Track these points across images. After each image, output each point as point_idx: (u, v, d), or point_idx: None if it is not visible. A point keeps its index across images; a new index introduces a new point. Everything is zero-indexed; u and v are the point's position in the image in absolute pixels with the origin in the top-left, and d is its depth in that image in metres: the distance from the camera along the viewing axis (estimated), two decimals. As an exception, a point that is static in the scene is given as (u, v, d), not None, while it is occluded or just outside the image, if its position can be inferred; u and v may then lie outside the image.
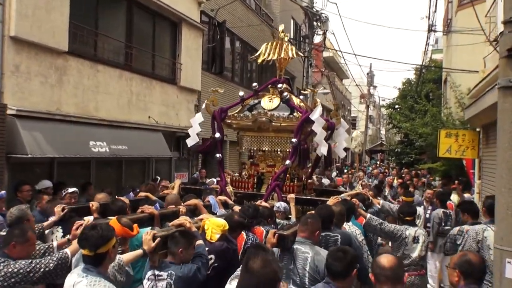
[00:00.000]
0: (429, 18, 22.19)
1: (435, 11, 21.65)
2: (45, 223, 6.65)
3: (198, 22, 17.28)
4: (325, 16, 26.79)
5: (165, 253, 5.12)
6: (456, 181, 14.36)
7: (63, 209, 6.67)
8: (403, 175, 22.34)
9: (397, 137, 38.35)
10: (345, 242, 6.13)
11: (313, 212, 6.60)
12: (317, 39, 28.86)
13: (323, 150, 9.23)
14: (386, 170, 30.02)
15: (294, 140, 8.78)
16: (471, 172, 14.93)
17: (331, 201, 7.81)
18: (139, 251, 5.07)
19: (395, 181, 17.80)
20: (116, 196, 8.94)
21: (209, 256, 5.38)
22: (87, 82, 11.95)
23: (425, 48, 25.99)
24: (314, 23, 27.21)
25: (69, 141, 10.93)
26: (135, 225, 5.41)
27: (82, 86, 11.77)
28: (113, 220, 5.25)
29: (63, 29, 10.98)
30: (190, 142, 10.06)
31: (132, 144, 13.03)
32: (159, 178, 13.33)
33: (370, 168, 34.03)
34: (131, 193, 10.39)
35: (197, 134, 10.07)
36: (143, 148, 13.69)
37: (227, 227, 5.67)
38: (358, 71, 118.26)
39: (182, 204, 7.59)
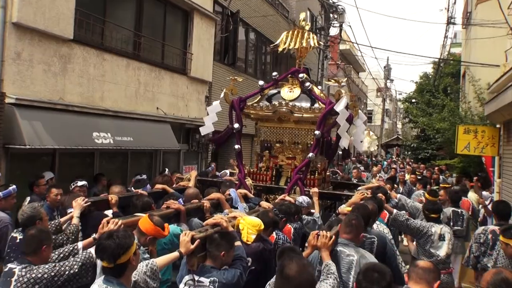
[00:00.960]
0: (448, 10, 21.64)
1: (455, 3, 21.11)
2: (62, 219, 6.22)
3: (211, 12, 16.82)
4: (342, 8, 26.37)
5: (203, 255, 4.79)
6: (475, 178, 13.82)
7: (85, 202, 6.19)
8: (420, 170, 21.76)
9: (414, 132, 37.72)
10: (381, 245, 5.99)
11: (352, 211, 6.18)
12: (333, 31, 28.40)
13: (344, 143, 9.10)
14: (402, 165, 29.42)
15: (317, 132, 8.66)
16: (490, 170, 14.36)
17: (357, 196, 7.65)
18: (175, 254, 4.70)
19: (408, 176, 17.19)
20: (132, 188, 8.65)
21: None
22: (93, 71, 11.56)
23: (444, 41, 25.44)
24: (331, 15, 26.74)
25: (71, 131, 10.53)
26: (166, 224, 5.13)
27: (87, 75, 11.38)
28: (144, 219, 5.00)
29: (68, 16, 10.58)
30: (204, 130, 9.84)
31: (138, 135, 12.64)
32: (167, 169, 12.95)
33: (385, 163, 33.52)
34: (148, 186, 9.93)
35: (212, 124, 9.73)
36: (150, 140, 13.28)
37: (262, 226, 5.39)
38: (375, 64, 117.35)
39: (202, 198, 7.36)
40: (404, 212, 8.54)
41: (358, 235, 5.24)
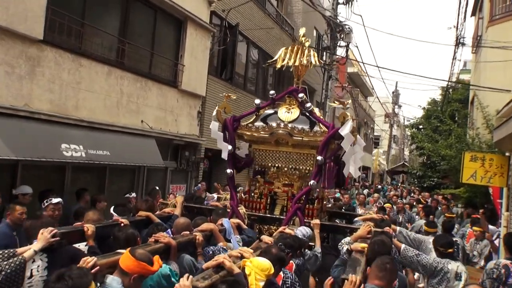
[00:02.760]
0: (457, 29, 20.76)
1: (464, 20, 20.30)
2: (26, 253, 4.89)
3: (207, 22, 15.91)
4: (349, 28, 25.53)
5: None
6: (481, 210, 13.19)
7: (53, 235, 5.11)
8: (426, 199, 20.90)
9: (420, 160, 36.87)
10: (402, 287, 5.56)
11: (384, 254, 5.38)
12: (340, 52, 27.57)
13: (351, 169, 8.47)
14: (405, 193, 28.54)
15: (319, 157, 7.90)
16: (497, 202, 13.26)
17: (364, 229, 6.99)
18: None
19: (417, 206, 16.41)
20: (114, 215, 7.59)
21: None
22: (67, 77, 10.61)
23: (452, 63, 24.57)
24: (337, 34, 25.91)
25: (36, 142, 9.53)
26: (156, 257, 4.37)
27: (60, 80, 10.42)
28: (125, 255, 4.24)
29: (38, 14, 9.64)
30: (224, 154, 8.70)
31: (117, 150, 11.66)
32: (157, 187, 12.02)
33: (387, 188, 32.69)
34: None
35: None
36: (130, 155, 12.27)
37: (272, 271, 4.66)
38: (383, 90, 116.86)
39: (193, 229, 6.49)
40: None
41: (391, 282, 4.75)
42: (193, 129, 15.64)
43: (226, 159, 8.76)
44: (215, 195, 11.79)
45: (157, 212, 8.07)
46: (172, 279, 4.64)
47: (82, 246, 5.67)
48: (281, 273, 5.38)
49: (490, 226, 11.52)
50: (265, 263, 4.63)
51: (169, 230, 6.49)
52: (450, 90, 29.16)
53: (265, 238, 6.64)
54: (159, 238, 5.46)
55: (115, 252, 4.82)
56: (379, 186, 38.44)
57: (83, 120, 10.94)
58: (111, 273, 4.21)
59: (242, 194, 9.20)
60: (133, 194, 11.32)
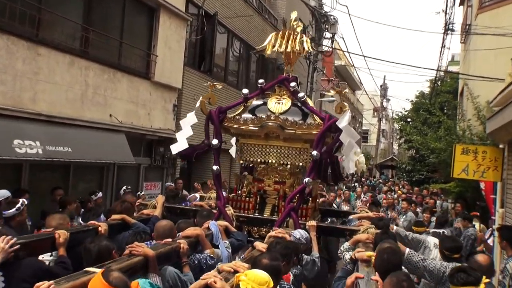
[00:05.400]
0: (446, 13, 20.06)
1: (453, 4, 19.62)
2: None
3: (182, 11, 15.02)
4: (334, 18, 24.79)
5: None
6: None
7: (11, 245, 4.35)
8: (414, 195, 20.21)
9: (409, 153, 36.27)
10: None
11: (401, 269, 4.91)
12: (326, 44, 26.87)
13: (351, 165, 8.03)
14: (397, 188, 27.95)
15: (314, 152, 7.25)
16: (490, 198, 12.47)
17: (364, 235, 6.51)
18: None
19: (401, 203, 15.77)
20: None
21: None
22: (22, 67, 9.74)
23: (441, 51, 23.82)
24: (322, 25, 25.16)
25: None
26: (133, 284, 3.46)
27: (13, 71, 9.55)
28: (96, 278, 3.36)
29: (-15, -2, 8.75)
30: (175, 148, 8.03)
31: (81, 146, 10.83)
32: (125, 187, 11.19)
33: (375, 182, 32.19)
34: (101, 216, 8.08)
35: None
36: (96, 152, 11.42)
37: (272, 284, 3.87)
38: (371, 84, 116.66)
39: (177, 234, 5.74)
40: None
41: None
42: (168, 124, 14.80)
43: (174, 153, 8.28)
44: (197, 195, 11.02)
45: (135, 214, 7.33)
46: None
47: (46, 257, 4.99)
48: (278, 286, 4.61)
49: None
50: (263, 275, 3.89)
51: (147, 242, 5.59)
52: (439, 82, 28.54)
53: (259, 245, 5.78)
54: (133, 251, 4.64)
55: (83, 272, 3.91)
56: (370, 182, 37.97)
57: (41, 114, 10.09)
58: None
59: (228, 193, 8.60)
60: (99, 194, 10.43)
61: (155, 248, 4.92)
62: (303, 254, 6.21)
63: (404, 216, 13.32)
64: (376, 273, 4.66)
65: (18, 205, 6.65)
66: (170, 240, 5.31)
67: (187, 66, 15.92)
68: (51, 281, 3.54)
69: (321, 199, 13.03)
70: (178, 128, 14.67)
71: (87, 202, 9.64)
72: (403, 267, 5.67)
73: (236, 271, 4.21)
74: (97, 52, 11.98)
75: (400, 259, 4.94)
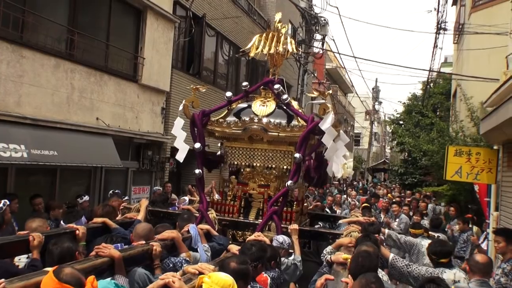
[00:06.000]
0: (438, 12, 19.99)
1: (446, 2, 19.56)
2: None
3: (169, 13, 14.82)
4: (324, 20, 24.61)
5: None
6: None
7: None
8: (408, 199, 20.07)
9: (401, 156, 36.16)
10: None
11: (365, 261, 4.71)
12: (317, 48, 26.68)
13: (334, 168, 7.78)
14: (386, 191, 27.80)
15: (297, 155, 7.12)
16: (484, 201, 12.29)
17: (347, 239, 6.35)
18: None
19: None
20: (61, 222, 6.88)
21: None
22: (6, 70, 9.55)
23: (433, 51, 23.74)
24: (313, 27, 24.98)
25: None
26: (89, 279, 3.45)
27: (-4, 73, 9.33)
28: (48, 276, 3.38)
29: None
30: (180, 155, 7.95)
31: (67, 149, 10.63)
32: (118, 192, 10.98)
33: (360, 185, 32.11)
34: (83, 218, 7.86)
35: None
36: (82, 156, 11.22)
37: (235, 287, 3.78)
38: (363, 87, 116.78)
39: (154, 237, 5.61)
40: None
41: None
42: (156, 127, 14.59)
43: (181, 161, 8.06)
44: (186, 198, 10.98)
45: (118, 218, 7.23)
46: None
47: (23, 259, 5.09)
48: None
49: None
50: (226, 279, 3.79)
51: (119, 245, 5.48)
52: (431, 84, 28.36)
53: (233, 248, 5.70)
54: (99, 251, 4.59)
55: (41, 271, 3.86)
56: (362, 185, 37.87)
57: (26, 117, 9.88)
58: None
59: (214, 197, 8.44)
60: (85, 198, 10.24)
61: (124, 250, 4.90)
62: (285, 258, 6.13)
63: (398, 219, 13.14)
64: (349, 276, 4.56)
65: (0, 205, 6.69)
66: (143, 242, 5.27)
67: (175, 68, 15.76)
68: (2, 280, 3.51)
69: (315, 204, 12.98)
70: (167, 131, 14.55)
71: (74, 206, 9.47)
72: (382, 272, 5.61)
73: (201, 273, 4.08)
74: (83, 54, 11.76)
75: (375, 263, 4.77)
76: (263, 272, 5.22)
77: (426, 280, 4.72)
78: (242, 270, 4.27)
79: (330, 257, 5.57)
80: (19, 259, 5.09)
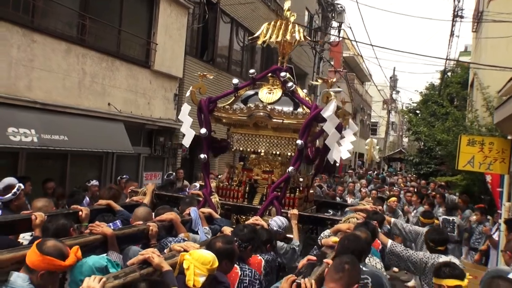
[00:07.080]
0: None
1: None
2: None
3: (183, -2, 14.71)
4: (341, 7, 24.43)
5: None
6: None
7: None
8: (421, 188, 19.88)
9: (417, 145, 35.85)
10: (377, 287, 4.83)
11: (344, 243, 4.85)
12: (333, 36, 26.48)
13: (335, 155, 7.71)
14: (402, 180, 27.56)
15: (299, 141, 7.29)
16: (497, 191, 12.12)
17: (345, 224, 6.35)
18: None
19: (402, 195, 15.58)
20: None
21: None
22: (17, 54, 9.59)
23: (450, 39, 23.47)
24: (329, 14, 24.82)
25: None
26: (73, 249, 3.72)
27: (8, 58, 9.42)
28: (32, 248, 3.60)
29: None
30: (186, 141, 8.06)
31: (77, 134, 10.67)
32: (126, 177, 11.00)
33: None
34: (85, 200, 8.07)
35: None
36: (93, 141, 11.25)
37: (216, 264, 3.99)
38: (381, 76, 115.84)
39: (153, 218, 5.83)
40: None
41: (350, 286, 3.91)
42: (169, 113, 14.59)
43: (187, 146, 8.30)
44: (197, 184, 10.96)
45: (126, 201, 7.58)
46: (112, 270, 3.97)
47: (27, 236, 5.24)
48: (238, 270, 4.76)
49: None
50: (206, 255, 3.97)
51: (117, 222, 5.68)
52: (449, 73, 27.92)
53: (226, 229, 5.89)
54: (92, 229, 4.81)
55: (29, 245, 4.01)
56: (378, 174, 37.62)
57: (37, 101, 9.92)
58: (19, 269, 3.60)
59: (220, 182, 8.44)
60: (93, 182, 10.28)
61: (120, 229, 5.13)
62: (284, 243, 6.29)
63: (415, 211, 13.05)
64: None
65: (14, 190, 6.90)
66: (140, 222, 5.50)
67: (188, 55, 15.70)
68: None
69: (327, 192, 12.93)
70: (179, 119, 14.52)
71: (85, 190, 9.59)
72: (376, 260, 5.71)
73: (186, 251, 4.19)
74: (95, 39, 11.77)
75: (361, 247, 4.78)
76: (258, 255, 5.36)
77: (442, 264, 4.98)
78: (227, 249, 4.43)
79: (320, 241, 5.72)
80: (23, 237, 5.27)
